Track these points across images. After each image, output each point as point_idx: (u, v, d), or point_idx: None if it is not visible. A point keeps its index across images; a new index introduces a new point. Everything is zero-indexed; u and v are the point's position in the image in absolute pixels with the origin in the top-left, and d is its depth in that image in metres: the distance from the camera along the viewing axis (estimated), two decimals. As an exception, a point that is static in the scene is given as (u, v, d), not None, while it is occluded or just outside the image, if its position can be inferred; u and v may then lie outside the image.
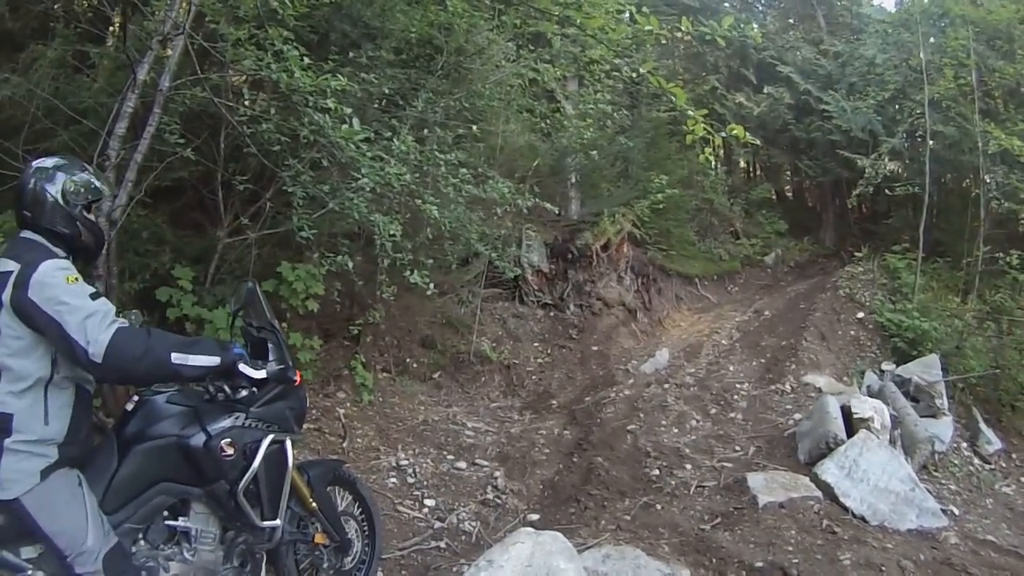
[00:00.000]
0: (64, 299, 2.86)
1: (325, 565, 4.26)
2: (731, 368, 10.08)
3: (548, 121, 10.81)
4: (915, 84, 13.59)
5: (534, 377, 10.19)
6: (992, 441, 8.93)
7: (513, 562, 4.08)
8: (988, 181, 12.58)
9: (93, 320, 2.87)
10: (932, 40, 13.97)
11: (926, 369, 9.21)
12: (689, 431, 7.91)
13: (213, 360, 3.20)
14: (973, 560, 5.39)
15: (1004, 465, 8.78)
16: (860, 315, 11.30)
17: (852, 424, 6.94)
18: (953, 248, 13.51)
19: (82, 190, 3.16)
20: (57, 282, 2.88)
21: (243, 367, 3.33)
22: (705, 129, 5.51)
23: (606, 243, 12.46)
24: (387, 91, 7.01)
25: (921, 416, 8.29)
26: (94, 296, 2.96)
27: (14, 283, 2.87)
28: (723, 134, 5.56)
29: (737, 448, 7.34)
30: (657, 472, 6.79)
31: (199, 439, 3.36)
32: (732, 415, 8.33)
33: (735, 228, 18.17)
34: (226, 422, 3.46)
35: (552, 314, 11.71)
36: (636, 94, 14.65)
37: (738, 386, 9.21)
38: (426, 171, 6.61)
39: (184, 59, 5.85)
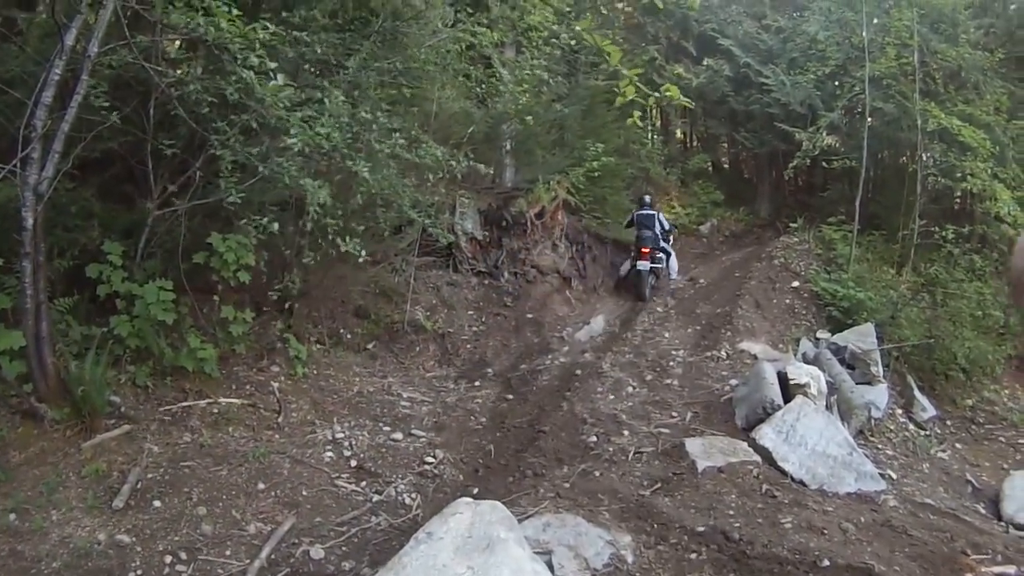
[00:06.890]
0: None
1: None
2: (666, 335, 10.16)
3: (484, 86, 10.64)
4: (856, 61, 13.65)
5: (469, 346, 10.13)
6: (927, 408, 9.15)
7: (453, 533, 4.02)
8: (925, 158, 12.71)
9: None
10: (876, 21, 14.08)
11: (861, 338, 9.32)
12: (625, 398, 7.92)
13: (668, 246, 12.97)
14: (913, 522, 5.46)
15: (939, 431, 9.01)
16: (795, 284, 11.44)
17: (789, 390, 7.00)
18: (889, 222, 13.71)
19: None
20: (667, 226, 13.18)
21: (663, 243, 12.70)
22: (637, 88, 5.40)
23: (540, 210, 12.40)
24: (319, 51, 6.84)
25: (857, 383, 8.42)
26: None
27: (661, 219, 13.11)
28: (656, 94, 5.42)
29: (674, 414, 7.34)
30: (595, 439, 6.76)
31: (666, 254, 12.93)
32: (668, 381, 8.37)
33: (671, 197, 18.31)
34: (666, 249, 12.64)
35: (486, 282, 11.60)
36: (574, 62, 14.50)
37: (674, 353, 9.27)
38: (358, 133, 6.48)
39: (114, 24, 5.67)
